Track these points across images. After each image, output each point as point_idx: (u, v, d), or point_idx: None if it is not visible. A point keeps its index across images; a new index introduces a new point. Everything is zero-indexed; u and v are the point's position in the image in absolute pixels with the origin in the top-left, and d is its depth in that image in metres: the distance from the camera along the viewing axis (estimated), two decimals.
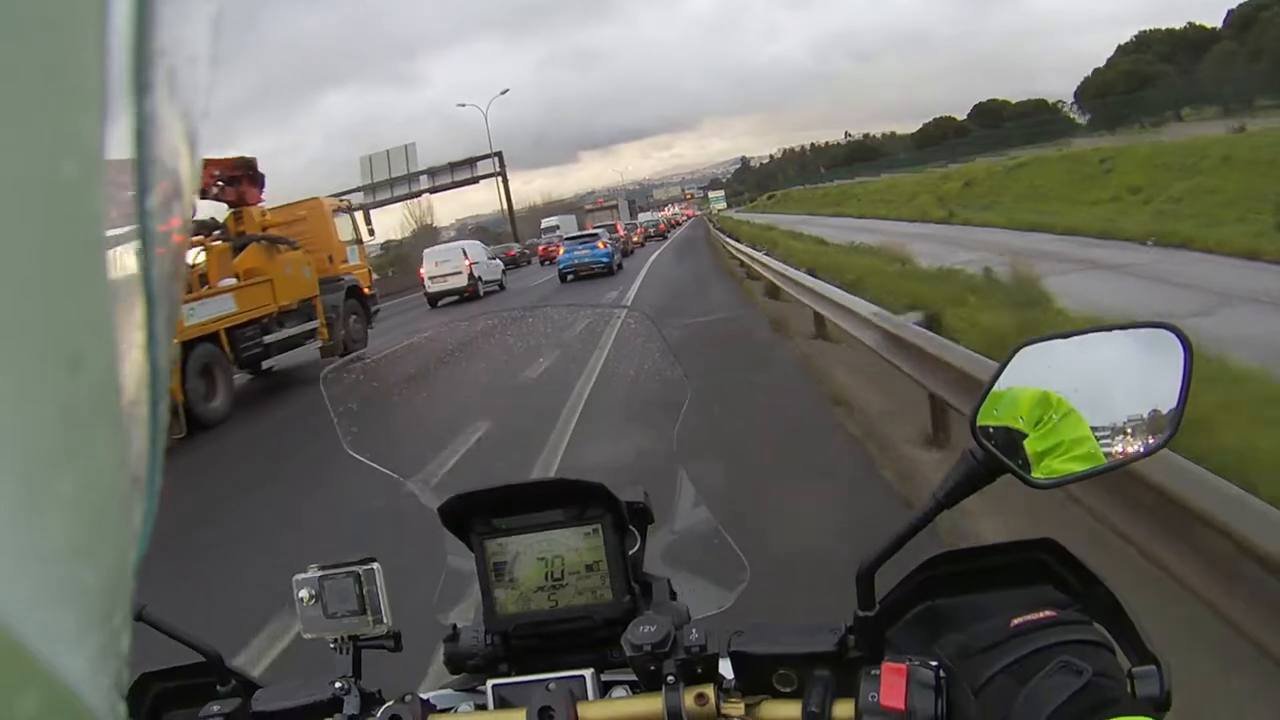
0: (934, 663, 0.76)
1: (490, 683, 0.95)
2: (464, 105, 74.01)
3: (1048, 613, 0.75)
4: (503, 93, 57.24)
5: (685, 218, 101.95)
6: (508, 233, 64.11)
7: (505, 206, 63.25)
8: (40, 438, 0.19)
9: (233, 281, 11.43)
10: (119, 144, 0.21)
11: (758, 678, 0.85)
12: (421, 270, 25.76)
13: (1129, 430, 0.76)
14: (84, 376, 0.20)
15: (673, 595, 1.03)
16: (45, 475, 0.19)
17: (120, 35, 0.20)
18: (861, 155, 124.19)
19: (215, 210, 12.27)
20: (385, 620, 0.97)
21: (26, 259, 0.19)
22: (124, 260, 0.22)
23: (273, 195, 12.92)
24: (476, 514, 1.00)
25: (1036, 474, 0.76)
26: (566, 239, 30.13)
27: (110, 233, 0.21)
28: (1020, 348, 0.78)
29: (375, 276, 18.25)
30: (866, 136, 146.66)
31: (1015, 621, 0.74)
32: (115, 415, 0.22)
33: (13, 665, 0.18)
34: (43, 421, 0.19)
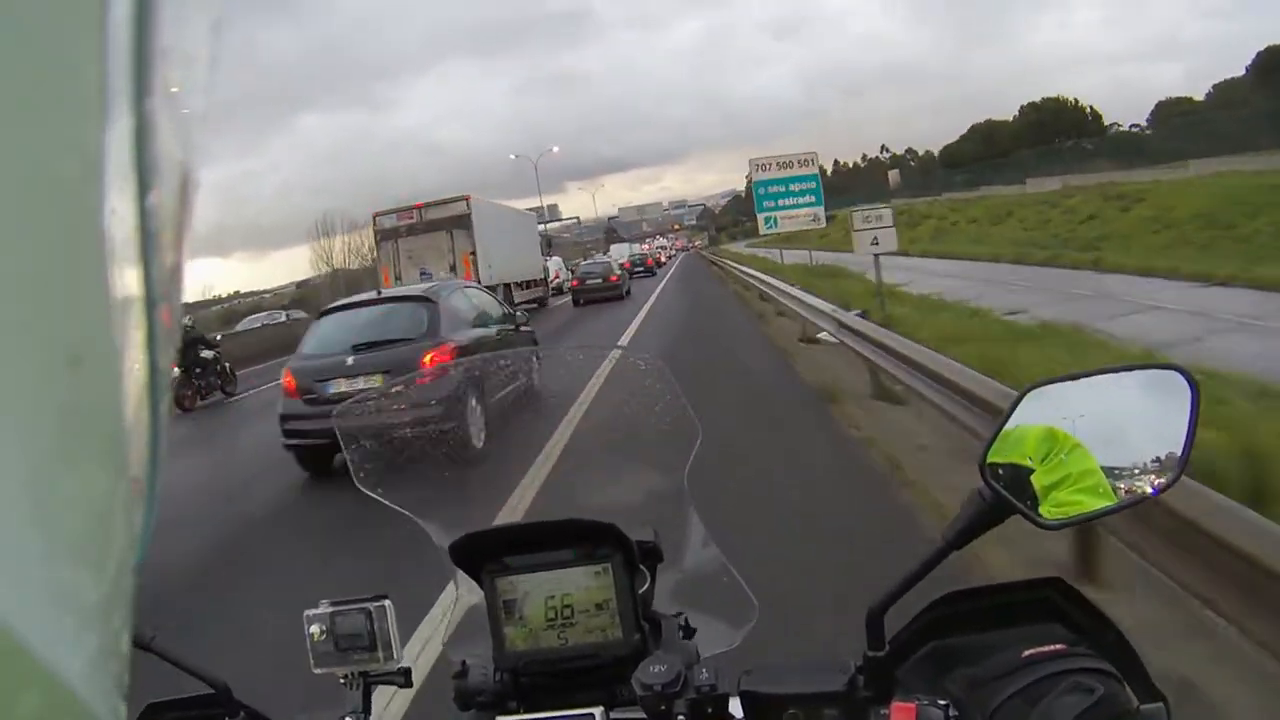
0: (943, 701, 0.75)
1: None
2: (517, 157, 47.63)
3: (1058, 645, 0.74)
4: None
5: (677, 250, 79.61)
6: None
7: None
8: (40, 439, 0.20)
9: None
10: (119, 144, 0.21)
11: (768, 717, 0.84)
12: None
13: (1137, 471, 0.76)
14: (84, 376, 0.21)
15: (688, 634, 1.01)
16: (45, 476, 0.20)
17: (120, 37, 0.21)
18: (1045, 133, 64.43)
19: None
20: (396, 657, 0.96)
21: (26, 259, 0.19)
22: (124, 260, 0.22)
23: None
24: (487, 552, 1.00)
25: (1045, 509, 0.75)
26: None
27: (110, 233, 0.21)
28: (1030, 390, 0.78)
29: None
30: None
31: (1026, 653, 0.74)
32: (115, 415, 0.23)
33: (13, 665, 0.18)
34: (43, 422, 0.20)
